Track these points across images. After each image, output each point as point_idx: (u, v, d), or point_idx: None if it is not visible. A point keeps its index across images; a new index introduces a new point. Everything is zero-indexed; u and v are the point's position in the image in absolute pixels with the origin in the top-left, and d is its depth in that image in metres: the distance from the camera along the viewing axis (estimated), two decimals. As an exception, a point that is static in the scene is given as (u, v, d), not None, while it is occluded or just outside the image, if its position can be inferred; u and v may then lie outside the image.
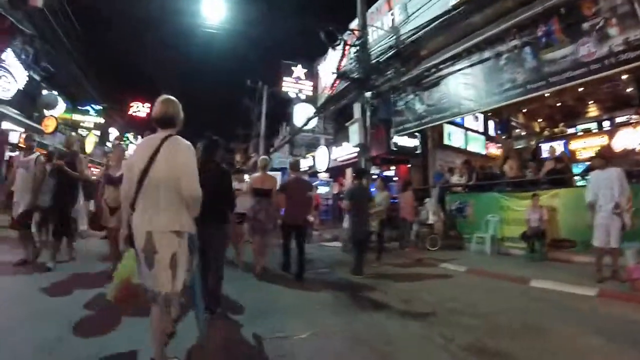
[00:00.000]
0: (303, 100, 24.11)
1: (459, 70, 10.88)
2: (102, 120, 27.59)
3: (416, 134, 14.97)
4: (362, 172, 8.64)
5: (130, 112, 36.33)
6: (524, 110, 19.57)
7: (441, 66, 11.32)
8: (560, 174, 10.06)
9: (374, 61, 12.63)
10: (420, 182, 14.57)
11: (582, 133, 18.41)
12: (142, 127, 30.80)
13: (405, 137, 14.92)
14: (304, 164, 24.05)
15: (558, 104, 18.38)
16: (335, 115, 21.38)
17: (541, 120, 20.63)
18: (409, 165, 16.17)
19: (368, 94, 12.52)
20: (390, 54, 12.26)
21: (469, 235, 10.98)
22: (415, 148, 15.79)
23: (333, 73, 16.01)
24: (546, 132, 20.32)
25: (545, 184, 10.10)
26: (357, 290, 6.31)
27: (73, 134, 7.23)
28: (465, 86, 10.79)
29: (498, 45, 9.86)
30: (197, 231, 3.20)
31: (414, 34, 11.27)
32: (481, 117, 18.03)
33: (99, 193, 6.85)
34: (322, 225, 17.26)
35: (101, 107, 27.03)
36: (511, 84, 9.55)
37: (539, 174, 10.63)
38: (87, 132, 25.76)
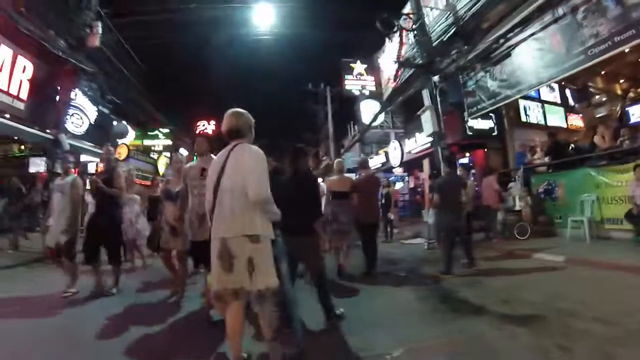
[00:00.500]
0: (367, 97, 23.50)
1: (531, 35, 9.76)
2: (169, 142, 28.46)
3: (490, 114, 13.86)
4: (453, 159, 7.97)
5: (197, 132, 37.19)
6: (603, 73, 16.87)
7: (509, 35, 10.24)
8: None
9: (435, 43, 11.86)
10: (500, 165, 13.36)
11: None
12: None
13: (479, 119, 13.77)
14: (377, 160, 23.87)
15: None
16: (403, 107, 20.71)
17: (623, 81, 17.84)
18: (485, 149, 14.99)
19: (435, 78, 11.74)
20: (451, 32, 11.42)
21: (561, 220, 9.94)
22: (491, 130, 14.52)
23: (395, 62, 15.28)
24: (631, 94, 17.52)
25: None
26: (449, 292, 5.66)
27: (111, 147, 6.78)
28: (540, 52, 9.65)
29: (572, -3, 8.64)
30: (285, 241, 3.50)
31: (472, 6, 10.37)
32: (556, 86, 16.37)
33: (159, 210, 6.30)
34: (401, 222, 16.56)
35: (168, 130, 27.87)
36: (594, 40, 8.31)
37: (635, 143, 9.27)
38: (158, 155, 26.72)
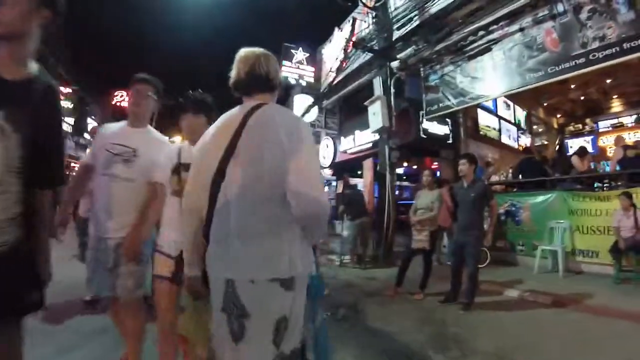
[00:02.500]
0: (304, 88, 21.60)
1: (520, 30, 8.14)
2: (69, 105, 24.53)
3: (447, 119, 12.24)
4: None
5: (114, 102, 33.42)
6: (545, 105, 18.17)
7: (493, 27, 8.58)
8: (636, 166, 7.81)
9: (397, 25, 10.09)
10: (452, 179, 11.25)
11: (610, 128, 17.52)
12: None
13: (435, 121, 12.05)
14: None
15: (582, 98, 17.11)
16: (339, 105, 19.10)
17: (560, 116, 19.60)
18: (435, 159, 13.33)
19: (394, 64, 9.90)
20: (417, 21, 9.74)
21: (523, 247, 8.63)
22: (445, 137, 12.83)
23: (346, 42, 13.37)
24: (571, 128, 19.36)
25: (616, 179, 8.36)
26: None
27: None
28: (529, 50, 7.99)
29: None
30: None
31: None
32: (512, 104, 15.72)
33: None
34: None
35: (71, 90, 23.93)
36: (599, 43, 6.90)
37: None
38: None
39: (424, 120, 11.31)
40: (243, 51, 1.96)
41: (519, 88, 8.27)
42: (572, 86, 15.40)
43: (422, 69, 10.33)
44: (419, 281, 6.26)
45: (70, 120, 23.47)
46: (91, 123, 28.18)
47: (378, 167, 10.37)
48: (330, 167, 18.91)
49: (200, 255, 1.83)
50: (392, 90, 10.00)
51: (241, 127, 1.74)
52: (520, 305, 5.68)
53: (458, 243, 5.74)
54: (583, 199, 7.80)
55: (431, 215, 6.27)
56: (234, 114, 1.86)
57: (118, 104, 33.32)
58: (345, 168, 18.06)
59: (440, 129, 12.43)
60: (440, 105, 10.05)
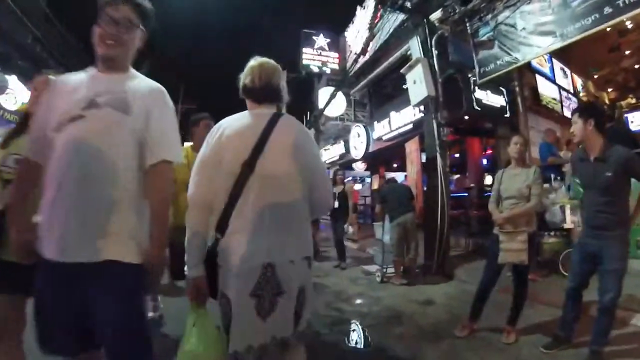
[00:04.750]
0: (328, 75, 20.10)
1: None
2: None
3: (501, 88, 9.95)
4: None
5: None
6: (596, 76, 16.30)
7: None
8: None
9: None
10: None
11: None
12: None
13: (487, 91, 9.81)
14: (334, 151, 20.52)
15: (636, 66, 14.86)
16: (369, 92, 17.55)
17: (611, 89, 17.56)
18: (490, 137, 10.94)
19: (435, 15, 7.74)
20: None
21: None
22: (502, 109, 10.41)
23: (373, 14, 11.40)
24: (630, 100, 16.87)
25: None
26: None
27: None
28: None
29: None
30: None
31: None
32: (569, 72, 13.66)
33: None
34: (360, 232, 12.33)
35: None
36: None
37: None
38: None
39: (476, 88, 9.11)
40: (258, 60, 2.15)
41: (611, 20, 5.79)
42: (627, 52, 13.59)
43: (468, 24, 8.05)
44: (499, 305, 4.16)
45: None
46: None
47: (425, 151, 8.26)
48: (363, 158, 16.84)
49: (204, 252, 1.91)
50: (435, 51, 7.89)
51: (268, 130, 1.94)
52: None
53: (587, 251, 3.46)
54: None
55: (529, 207, 3.99)
56: (251, 119, 2.02)
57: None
58: (380, 159, 16.03)
59: (495, 100, 10.24)
60: (499, 62, 7.63)
